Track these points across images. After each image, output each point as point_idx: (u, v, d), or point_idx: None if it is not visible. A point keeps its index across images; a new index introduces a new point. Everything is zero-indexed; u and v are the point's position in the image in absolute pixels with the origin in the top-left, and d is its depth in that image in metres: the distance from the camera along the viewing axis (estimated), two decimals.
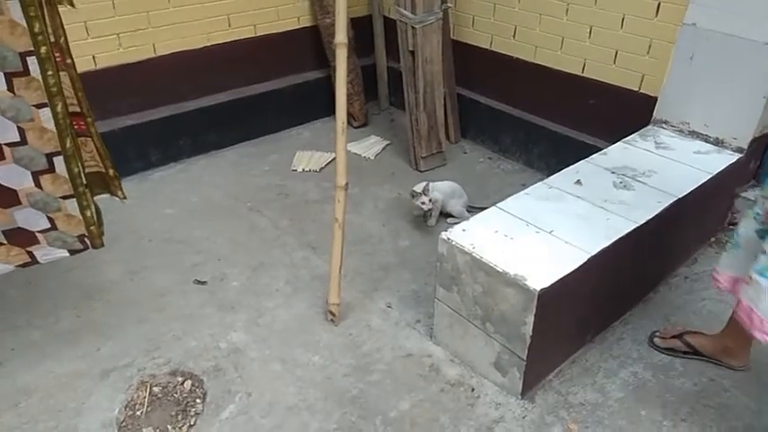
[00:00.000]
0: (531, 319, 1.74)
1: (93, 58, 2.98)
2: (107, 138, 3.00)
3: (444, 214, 2.90)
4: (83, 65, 2.93)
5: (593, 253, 1.84)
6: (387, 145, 3.64)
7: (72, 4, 1.72)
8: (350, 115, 3.83)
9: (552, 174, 3.13)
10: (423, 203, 2.69)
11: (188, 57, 3.28)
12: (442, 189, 2.84)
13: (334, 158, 2.41)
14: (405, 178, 3.28)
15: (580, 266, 1.80)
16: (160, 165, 3.32)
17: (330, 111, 3.46)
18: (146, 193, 3.09)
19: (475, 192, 3.08)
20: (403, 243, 2.77)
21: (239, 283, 2.49)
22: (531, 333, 1.76)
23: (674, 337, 2.09)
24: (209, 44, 3.34)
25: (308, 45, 3.71)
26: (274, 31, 3.56)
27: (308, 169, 3.37)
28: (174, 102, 3.32)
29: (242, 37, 3.45)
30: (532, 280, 1.72)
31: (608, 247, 1.88)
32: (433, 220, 2.85)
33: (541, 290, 1.70)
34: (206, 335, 2.23)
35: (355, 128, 3.83)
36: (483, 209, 2.90)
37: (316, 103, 3.80)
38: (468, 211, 2.92)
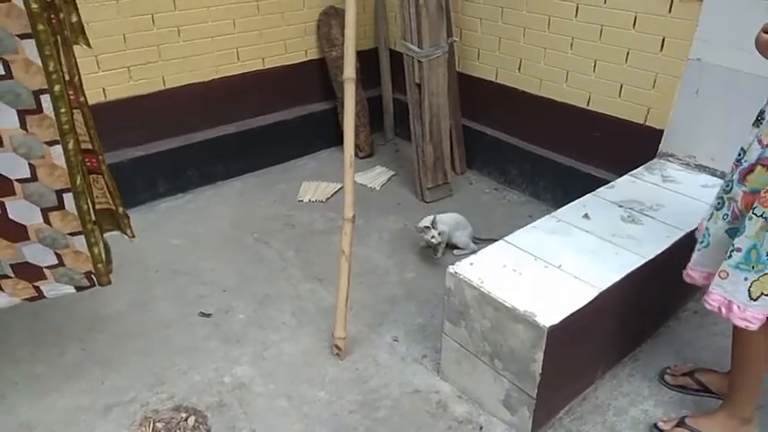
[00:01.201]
0: (540, 357, 1.72)
1: (104, 90, 3.02)
2: (115, 169, 3.03)
3: (450, 246, 2.89)
4: (93, 97, 2.96)
5: (603, 288, 1.82)
6: (392, 175, 3.65)
7: (88, 45, 1.75)
8: (355, 146, 3.81)
9: (559, 205, 3.14)
10: (432, 237, 2.69)
11: (197, 89, 3.33)
12: (447, 221, 2.83)
13: (340, 188, 2.42)
14: (410, 209, 3.28)
15: (590, 302, 1.78)
16: (168, 195, 3.34)
17: (335, 141, 3.51)
18: (153, 224, 3.10)
19: (481, 223, 3.08)
20: (409, 275, 2.75)
21: (245, 315, 2.48)
22: (540, 371, 1.74)
23: (684, 374, 2.06)
24: (217, 77, 3.38)
25: (315, 77, 3.76)
26: (282, 64, 3.61)
27: (314, 200, 3.37)
28: (183, 133, 3.35)
29: (250, 70, 3.50)
30: (542, 316, 1.71)
31: (618, 282, 1.86)
32: (440, 252, 2.84)
33: (551, 326, 1.68)
34: (210, 369, 2.20)
35: (361, 158, 3.85)
36: (489, 240, 2.93)
37: (322, 134, 3.83)
38: (474, 243, 2.92)
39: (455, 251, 2.87)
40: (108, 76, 3.01)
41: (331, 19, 3.64)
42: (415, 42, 3.10)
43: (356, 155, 3.86)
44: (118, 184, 2.99)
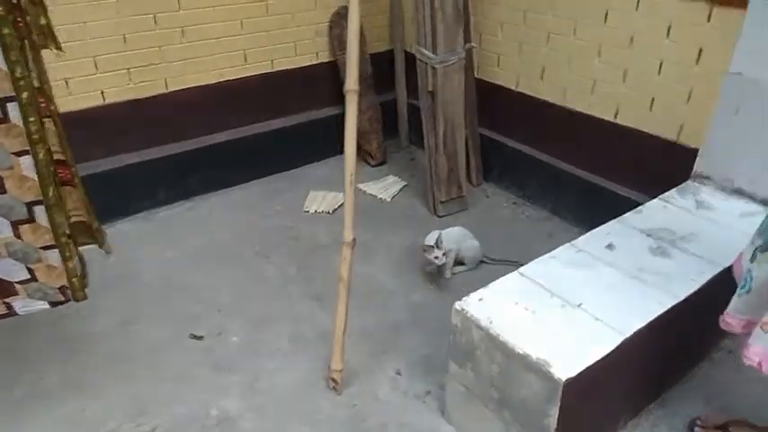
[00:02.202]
0: (555, 412, 1.53)
1: (102, 93, 2.88)
2: (114, 174, 2.97)
3: (457, 262, 2.71)
4: (90, 100, 2.87)
5: (628, 335, 1.62)
6: (404, 186, 3.47)
7: (59, 49, 1.60)
8: (367, 153, 3.69)
9: (580, 224, 2.96)
10: (436, 258, 2.50)
11: (201, 92, 3.17)
12: (453, 237, 2.65)
13: None
14: (422, 224, 3.09)
15: (612, 351, 1.58)
16: (168, 203, 3.20)
17: None
18: (150, 234, 2.97)
19: (497, 241, 2.88)
20: (416, 297, 2.57)
21: (238, 338, 2.32)
22: (555, 426, 1.55)
23: (717, 428, 1.84)
24: (222, 79, 3.23)
25: (326, 81, 3.59)
26: (292, 67, 3.45)
27: (320, 211, 3.21)
28: (185, 138, 3.21)
29: (258, 72, 3.33)
30: (557, 367, 1.51)
31: (644, 327, 1.66)
32: (449, 272, 2.65)
33: (567, 379, 1.49)
34: (197, 399, 2.05)
35: (372, 166, 3.68)
36: (502, 262, 2.74)
37: (332, 140, 3.62)
38: (487, 262, 2.73)
39: (456, 268, 2.69)
40: (106, 78, 2.87)
41: (344, 20, 3.44)
42: (429, 47, 2.90)
43: (368, 162, 3.73)
44: (116, 191, 2.86)
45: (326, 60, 3.56)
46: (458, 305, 1.76)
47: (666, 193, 2.34)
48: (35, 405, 2.03)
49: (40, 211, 1.67)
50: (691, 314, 1.83)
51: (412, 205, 3.29)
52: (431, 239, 2.55)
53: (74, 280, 1.82)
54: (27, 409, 2.01)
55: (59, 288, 1.82)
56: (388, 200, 3.34)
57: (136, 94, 2.98)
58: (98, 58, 2.80)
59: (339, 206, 3.21)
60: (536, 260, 1.96)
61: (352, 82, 1.91)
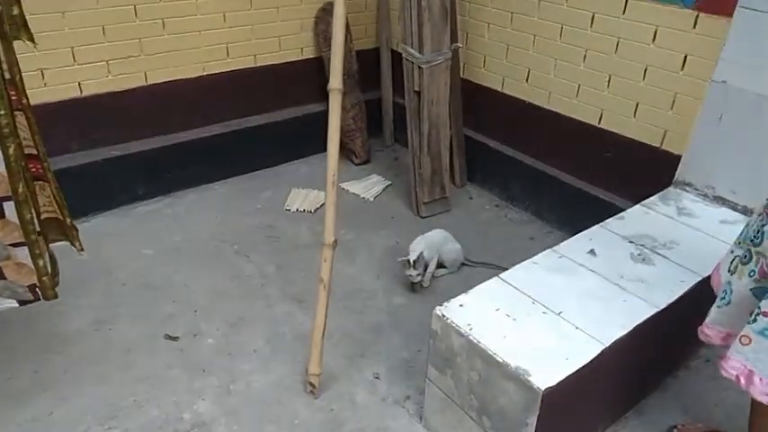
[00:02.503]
0: (533, 421, 1.51)
1: (80, 85, 2.81)
2: (90, 169, 2.89)
3: (437, 264, 2.68)
4: (68, 92, 2.79)
5: (608, 344, 1.61)
6: (388, 185, 3.44)
7: (32, 40, 1.55)
8: (351, 152, 3.65)
9: (563, 227, 2.96)
10: (410, 275, 2.47)
11: (182, 86, 3.11)
12: (434, 240, 2.62)
13: None
14: (405, 224, 3.07)
15: (592, 360, 1.57)
16: (146, 198, 3.13)
17: None
18: (127, 230, 2.90)
19: (478, 243, 2.87)
20: (397, 300, 2.54)
21: (214, 340, 2.28)
22: None
23: None
24: (204, 73, 3.17)
25: (310, 77, 3.54)
26: (275, 62, 3.39)
27: (302, 209, 3.17)
28: (165, 133, 3.14)
29: (240, 67, 3.27)
30: (537, 376, 1.50)
31: (624, 336, 1.65)
32: (427, 281, 2.60)
33: (546, 389, 1.47)
34: (170, 402, 2.00)
35: (356, 165, 3.64)
36: (482, 264, 2.73)
37: (315, 137, 3.54)
38: (468, 265, 2.72)
39: (437, 271, 2.67)
40: (84, 69, 2.79)
41: (329, 16, 3.38)
42: (415, 47, 2.87)
43: (352, 161, 3.69)
44: (93, 185, 2.79)
45: (311, 56, 3.51)
46: (438, 311, 1.73)
47: (648, 200, 2.34)
48: (3, 406, 1.96)
49: (9, 207, 1.63)
50: (670, 323, 1.83)
51: (395, 205, 3.27)
52: (413, 252, 2.50)
53: (44, 278, 1.77)
54: None
55: (29, 287, 1.78)
56: (371, 199, 3.31)
57: (115, 87, 2.91)
58: (76, 49, 2.73)
59: (321, 205, 3.17)
60: (518, 266, 1.94)
61: (335, 81, 1.87)
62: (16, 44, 1.52)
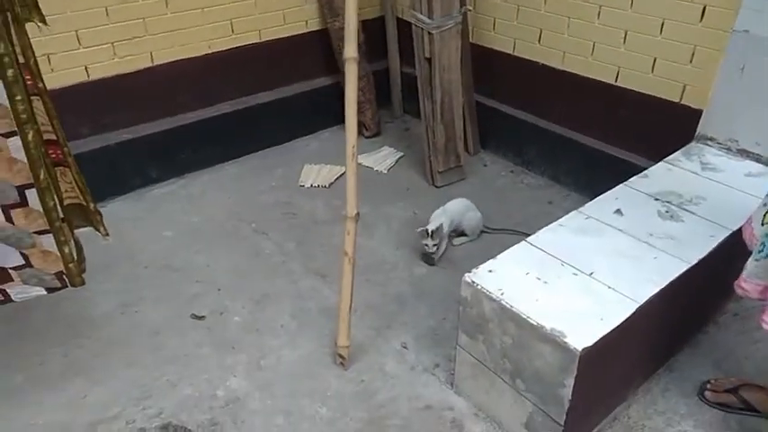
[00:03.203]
0: (570, 382, 1.51)
1: (86, 69, 2.77)
2: (102, 154, 2.87)
3: (458, 233, 2.67)
4: (75, 77, 2.76)
5: (641, 302, 1.59)
6: (400, 157, 3.41)
7: (44, 22, 1.51)
8: (361, 124, 3.60)
9: (582, 190, 2.93)
10: (426, 245, 2.46)
11: (188, 65, 3.06)
12: (456, 210, 2.60)
13: (344, 173, 2.20)
14: (420, 195, 3.05)
15: (627, 319, 1.56)
16: (160, 181, 3.12)
17: (340, 120, 3.20)
18: (144, 213, 2.89)
19: (496, 209, 2.84)
20: (419, 270, 2.54)
21: (241, 318, 2.28)
22: (570, 396, 1.53)
23: (727, 391, 1.85)
24: (210, 51, 3.12)
25: (317, 50, 3.48)
26: (280, 36, 3.34)
27: (316, 185, 3.14)
28: (175, 113, 3.11)
29: (246, 43, 3.22)
30: (573, 337, 1.49)
31: (657, 293, 1.63)
32: (438, 256, 2.56)
33: (584, 349, 1.46)
34: (203, 380, 2.02)
35: (367, 138, 3.60)
36: (503, 231, 2.71)
37: (325, 112, 3.56)
38: (488, 232, 2.70)
39: (455, 240, 2.66)
40: (90, 53, 2.75)
41: None
42: (424, 12, 2.81)
43: (362, 134, 3.65)
44: (106, 170, 2.76)
45: (317, 29, 3.45)
46: (467, 277, 1.72)
47: (671, 156, 2.31)
48: (36, 391, 1.98)
49: (32, 195, 1.60)
50: (702, 278, 1.82)
51: (409, 176, 3.24)
52: (432, 222, 2.48)
53: (71, 265, 1.77)
54: (28, 395, 1.96)
55: (56, 274, 1.77)
56: (385, 172, 3.28)
57: (121, 69, 2.87)
58: (80, 32, 2.68)
59: (336, 179, 3.15)
60: (544, 228, 1.92)
61: (351, 49, 1.82)
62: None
